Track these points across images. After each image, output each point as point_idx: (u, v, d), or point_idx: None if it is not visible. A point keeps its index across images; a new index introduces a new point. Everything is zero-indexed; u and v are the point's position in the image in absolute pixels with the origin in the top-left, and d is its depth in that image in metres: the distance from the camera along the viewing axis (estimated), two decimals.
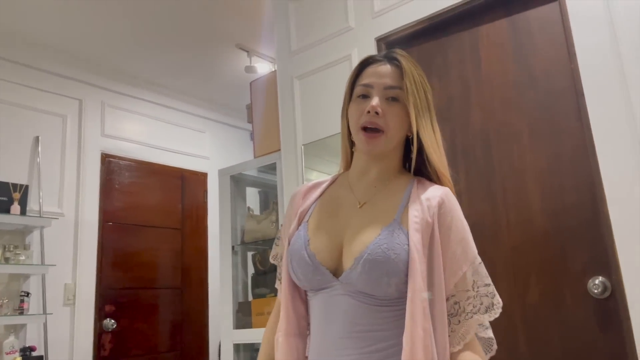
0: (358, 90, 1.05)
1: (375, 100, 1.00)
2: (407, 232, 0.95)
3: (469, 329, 0.94)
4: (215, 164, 4.11)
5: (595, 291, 1.63)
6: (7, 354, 2.79)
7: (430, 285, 0.93)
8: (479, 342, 0.98)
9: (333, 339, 0.97)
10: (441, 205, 0.97)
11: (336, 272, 0.98)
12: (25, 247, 3.06)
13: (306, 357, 1.03)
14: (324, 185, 1.14)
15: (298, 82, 2.54)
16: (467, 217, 1.98)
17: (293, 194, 1.16)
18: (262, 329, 1.19)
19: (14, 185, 2.99)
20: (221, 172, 2.98)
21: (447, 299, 0.95)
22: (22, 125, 3.25)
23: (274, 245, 1.20)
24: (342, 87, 1.16)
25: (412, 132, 1.02)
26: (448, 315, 0.94)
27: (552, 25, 1.85)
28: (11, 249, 2.96)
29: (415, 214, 0.96)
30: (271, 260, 1.20)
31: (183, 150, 4.17)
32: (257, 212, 3.05)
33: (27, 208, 3.07)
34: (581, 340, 1.65)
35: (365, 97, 1.03)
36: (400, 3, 2.19)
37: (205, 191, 4.25)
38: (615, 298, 1.60)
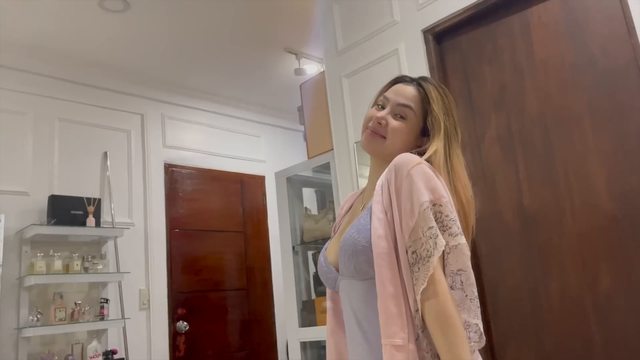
0: (379, 100, 1.20)
1: (383, 112, 1.15)
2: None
3: (427, 272, 0.95)
4: (271, 167, 4.19)
5: None
6: (91, 358, 2.98)
7: (396, 243, 1.00)
8: (455, 251, 0.99)
9: (349, 331, 1.10)
10: (393, 167, 1.04)
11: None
12: (102, 257, 3.25)
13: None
14: (356, 195, 1.29)
15: (347, 81, 2.55)
16: (529, 206, 1.93)
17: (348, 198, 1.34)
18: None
19: (88, 199, 3.19)
20: (277, 175, 3.05)
21: (407, 251, 0.98)
22: (91, 142, 3.46)
23: None
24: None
25: (417, 149, 1.14)
26: (409, 265, 0.98)
27: (607, 0, 1.76)
28: (89, 259, 3.16)
29: (377, 189, 1.06)
30: None
31: (240, 155, 4.29)
32: (314, 211, 3.09)
33: (101, 220, 3.26)
34: None
35: (383, 107, 1.17)
36: None
37: (264, 194, 4.35)
38: None
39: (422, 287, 0.95)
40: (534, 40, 1.95)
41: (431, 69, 2.19)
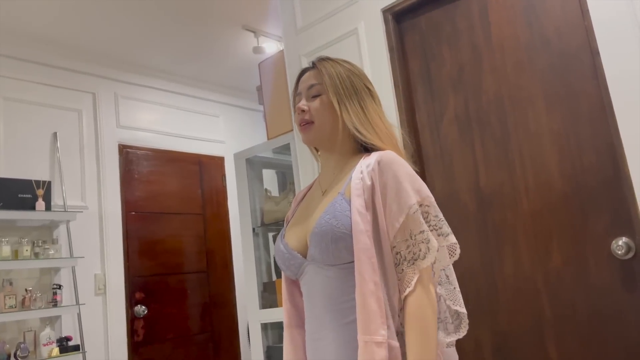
0: (296, 100, 1.22)
1: (300, 103, 1.18)
2: (350, 200, 1.04)
3: (413, 275, 0.99)
4: (231, 148, 4.13)
5: (619, 252, 1.61)
6: (44, 345, 2.89)
7: (377, 240, 1.01)
8: (443, 250, 1.05)
9: (316, 317, 1.09)
10: (378, 165, 1.05)
11: (306, 256, 1.11)
12: (54, 242, 3.14)
13: None
14: (307, 189, 1.31)
15: (306, 60, 2.51)
16: (485, 186, 1.96)
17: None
18: None
19: (37, 182, 3.05)
20: (236, 156, 3.00)
21: (391, 250, 1.02)
22: (39, 123, 3.30)
23: None
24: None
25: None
26: (394, 265, 1.01)
27: None
28: (40, 244, 3.04)
29: (356, 182, 1.05)
30: None
31: (198, 135, 4.19)
32: (275, 193, 3.06)
33: (52, 203, 3.14)
34: (607, 302, 1.64)
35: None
36: None
37: (223, 175, 4.28)
38: (639, 258, 1.58)
39: (409, 289, 0.97)
40: (491, 21, 1.96)
41: (390, 49, 2.17)
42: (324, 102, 1.15)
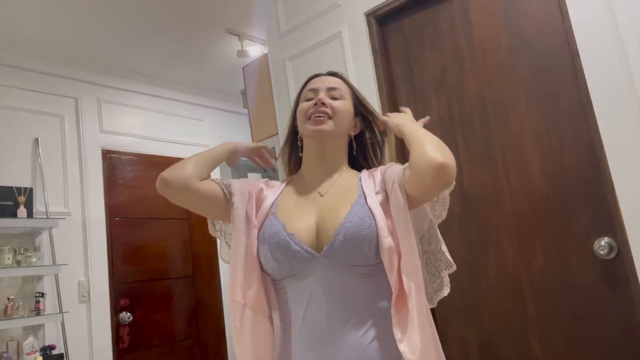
0: (305, 95, 1.20)
1: (321, 95, 1.16)
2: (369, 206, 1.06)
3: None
4: None
5: (602, 252, 1.63)
6: (27, 354, 2.84)
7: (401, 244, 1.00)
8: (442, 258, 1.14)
9: (321, 322, 1.01)
10: (385, 170, 1.11)
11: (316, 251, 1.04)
12: (36, 249, 3.09)
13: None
14: (280, 184, 1.23)
15: (290, 64, 2.51)
16: (469, 187, 1.97)
17: (254, 180, 1.25)
18: None
19: (18, 189, 3.00)
20: None
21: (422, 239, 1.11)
22: (20, 128, 3.25)
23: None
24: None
25: (354, 131, 1.21)
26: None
27: None
28: (22, 252, 2.99)
29: (368, 188, 1.09)
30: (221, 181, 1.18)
31: (183, 140, 4.16)
32: None
33: (34, 210, 3.09)
34: (590, 301, 1.66)
35: (312, 99, 1.17)
36: None
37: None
38: (621, 258, 1.60)
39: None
40: (472, 22, 1.98)
41: (374, 51, 2.18)
42: (346, 107, 1.18)
